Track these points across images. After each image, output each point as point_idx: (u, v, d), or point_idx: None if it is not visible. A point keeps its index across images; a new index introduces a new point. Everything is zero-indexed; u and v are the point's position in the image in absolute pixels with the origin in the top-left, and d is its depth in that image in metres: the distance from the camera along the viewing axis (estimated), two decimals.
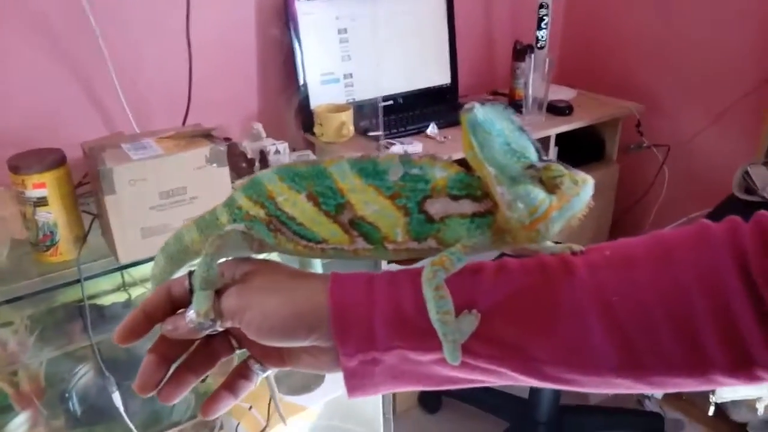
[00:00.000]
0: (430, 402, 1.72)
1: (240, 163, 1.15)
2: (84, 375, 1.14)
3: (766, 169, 1.25)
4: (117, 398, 1.04)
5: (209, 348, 0.41)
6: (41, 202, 0.92)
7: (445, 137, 1.45)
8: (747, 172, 1.17)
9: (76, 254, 0.96)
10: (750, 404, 1.18)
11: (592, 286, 0.34)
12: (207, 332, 0.38)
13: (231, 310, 0.37)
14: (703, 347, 0.32)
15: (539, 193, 0.34)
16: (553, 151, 1.59)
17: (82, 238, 0.98)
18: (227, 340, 0.41)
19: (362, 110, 1.41)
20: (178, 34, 1.24)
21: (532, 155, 0.36)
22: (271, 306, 0.36)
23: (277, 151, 1.15)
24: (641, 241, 0.36)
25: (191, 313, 0.37)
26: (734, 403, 1.30)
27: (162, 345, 0.39)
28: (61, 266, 0.95)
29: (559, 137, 1.58)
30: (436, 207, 0.36)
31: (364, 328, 0.35)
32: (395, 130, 1.47)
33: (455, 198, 0.36)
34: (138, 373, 0.38)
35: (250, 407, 1.12)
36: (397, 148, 1.36)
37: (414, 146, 1.39)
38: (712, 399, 1.09)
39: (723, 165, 1.55)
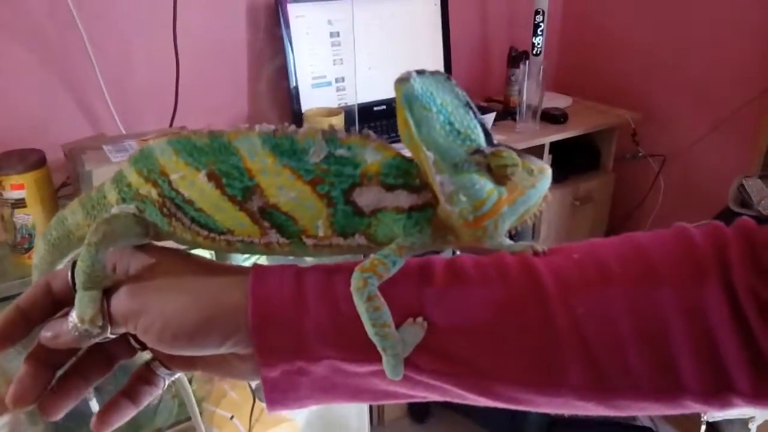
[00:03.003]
0: (418, 411, 1.70)
1: None
2: None
3: (761, 183, 1.23)
4: (94, 405, 1.02)
5: (103, 349, 0.34)
6: (19, 203, 0.89)
7: None
8: (742, 185, 1.14)
9: None
10: (743, 423, 1.16)
11: (557, 297, 0.29)
12: (96, 340, 0.31)
13: (122, 315, 0.30)
14: (676, 370, 0.28)
15: (486, 184, 0.29)
16: (547, 159, 1.57)
17: None
18: (125, 340, 0.34)
19: (354, 115, 1.39)
20: (166, 36, 1.22)
21: (480, 138, 0.30)
22: (174, 309, 0.29)
23: None
24: (614, 246, 0.32)
25: (74, 318, 0.30)
26: (728, 421, 1.28)
27: (42, 350, 0.32)
28: None
29: (554, 146, 1.56)
30: (366, 197, 0.31)
31: (290, 333, 0.29)
32: (386, 136, 1.45)
33: (389, 188, 0.31)
34: (13, 381, 0.31)
35: (232, 417, 1.10)
36: None
37: (405, 152, 1.37)
38: (704, 418, 1.06)
39: (719, 176, 1.53)
